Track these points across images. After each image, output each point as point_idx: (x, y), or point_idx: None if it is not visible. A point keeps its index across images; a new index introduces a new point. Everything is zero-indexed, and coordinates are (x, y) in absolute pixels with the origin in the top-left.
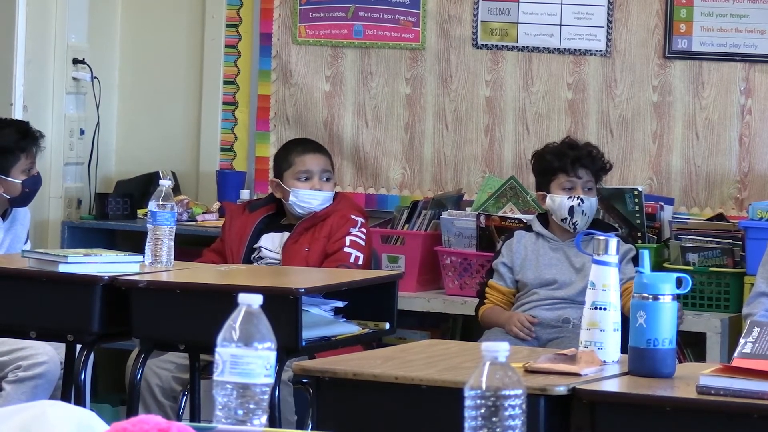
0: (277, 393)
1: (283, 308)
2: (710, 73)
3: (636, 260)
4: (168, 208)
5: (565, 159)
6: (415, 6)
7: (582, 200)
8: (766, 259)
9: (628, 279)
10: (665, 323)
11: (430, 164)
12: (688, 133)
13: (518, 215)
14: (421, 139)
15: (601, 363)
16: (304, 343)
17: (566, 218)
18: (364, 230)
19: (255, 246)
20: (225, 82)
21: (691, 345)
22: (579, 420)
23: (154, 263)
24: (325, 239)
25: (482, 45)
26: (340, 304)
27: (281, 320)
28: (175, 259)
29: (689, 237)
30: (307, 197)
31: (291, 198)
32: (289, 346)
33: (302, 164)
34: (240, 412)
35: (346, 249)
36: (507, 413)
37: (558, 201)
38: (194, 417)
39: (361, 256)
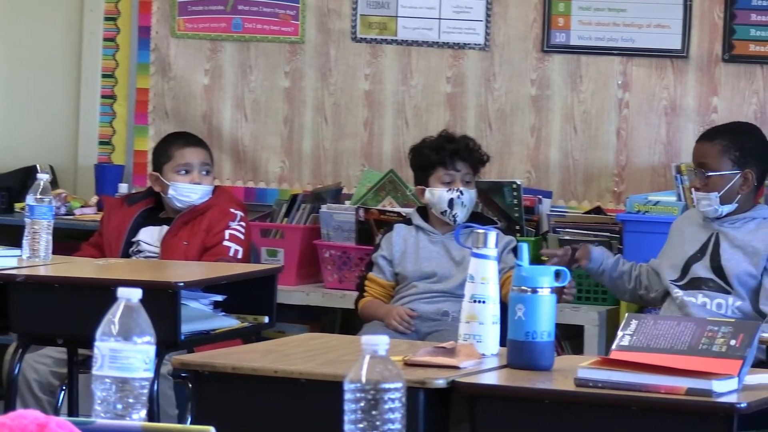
0: (156, 387)
1: (162, 302)
2: (588, 67)
3: (516, 251)
4: (46, 202)
5: (443, 152)
6: None
7: (461, 192)
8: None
9: (510, 268)
10: (544, 316)
11: (310, 158)
12: (566, 127)
13: (397, 208)
14: (301, 132)
15: (480, 356)
16: (183, 337)
17: (446, 211)
18: (243, 224)
19: (133, 240)
20: (103, 76)
21: (570, 338)
22: (458, 413)
23: (32, 257)
24: (204, 233)
25: (361, 39)
26: (219, 297)
27: (160, 314)
28: (53, 253)
29: (567, 230)
30: (186, 191)
31: (170, 191)
32: (168, 340)
33: (182, 158)
34: (119, 406)
35: (225, 243)
36: (387, 406)
37: (437, 194)
38: (72, 412)
39: (240, 249)
